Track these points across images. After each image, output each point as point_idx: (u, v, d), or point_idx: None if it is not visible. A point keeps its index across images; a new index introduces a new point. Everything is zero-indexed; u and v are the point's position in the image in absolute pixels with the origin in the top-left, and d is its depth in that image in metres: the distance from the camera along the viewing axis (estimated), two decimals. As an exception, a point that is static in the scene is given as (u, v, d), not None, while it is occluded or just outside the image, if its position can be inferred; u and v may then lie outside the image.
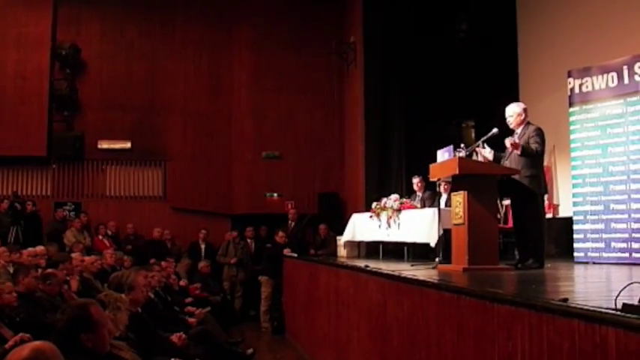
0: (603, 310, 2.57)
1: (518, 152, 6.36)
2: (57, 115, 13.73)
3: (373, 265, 6.80)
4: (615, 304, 2.60)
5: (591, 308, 2.65)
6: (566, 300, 2.97)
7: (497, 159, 6.60)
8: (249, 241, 13.36)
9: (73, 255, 8.91)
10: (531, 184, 6.33)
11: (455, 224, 6.27)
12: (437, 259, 7.09)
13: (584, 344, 2.60)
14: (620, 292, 2.71)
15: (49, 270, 6.61)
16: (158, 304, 7.42)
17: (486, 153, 6.52)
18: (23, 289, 5.87)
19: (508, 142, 6.42)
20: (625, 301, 2.56)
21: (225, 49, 14.56)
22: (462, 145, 6.52)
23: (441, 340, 4.11)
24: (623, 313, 2.46)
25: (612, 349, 2.43)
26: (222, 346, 7.48)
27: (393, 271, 5.72)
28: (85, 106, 13.96)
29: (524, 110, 6.70)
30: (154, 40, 14.32)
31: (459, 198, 6.14)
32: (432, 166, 6.86)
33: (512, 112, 6.71)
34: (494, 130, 6.59)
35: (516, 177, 6.33)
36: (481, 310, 3.52)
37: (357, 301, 6.58)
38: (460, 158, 6.19)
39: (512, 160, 6.49)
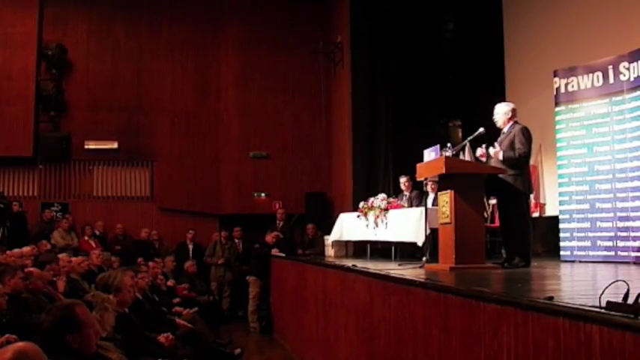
0: (588, 308, 2.58)
1: (500, 158, 6.40)
2: (43, 116, 13.66)
3: (361, 264, 6.81)
4: (600, 302, 2.62)
5: (576, 306, 2.67)
6: (551, 298, 2.99)
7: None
8: (236, 241, 13.34)
9: (60, 256, 8.85)
10: (516, 182, 6.35)
11: (442, 223, 6.29)
12: (424, 259, 7.11)
13: (569, 342, 2.61)
14: (604, 290, 2.73)
15: (27, 269, 6.55)
16: (145, 305, 7.39)
17: (492, 152, 6.52)
18: (10, 290, 5.82)
19: (492, 152, 6.47)
20: (609, 299, 2.58)
21: (212, 50, 14.54)
22: (449, 145, 6.54)
23: (428, 338, 4.12)
24: (607, 311, 2.48)
25: (597, 347, 2.44)
26: (210, 347, 7.46)
27: (380, 270, 5.73)
28: (71, 107, 13.89)
29: (512, 110, 6.73)
30: (141, 40, 14.27)
31: (446, 197, 6.16)
32: (418, 165, 6.86)
33: (500, 110, 6.75)
34: (481, 129, 6.62)
35: (502, 176, 6.36)
36: (467, 309, 3.53)
37: (344, 301, 6.58)
38: (447, 157, 6.20)
39: (496, 160, 6.51)
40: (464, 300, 3.59)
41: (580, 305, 2.69)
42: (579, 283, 5.04)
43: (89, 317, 3.48)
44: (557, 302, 2.85)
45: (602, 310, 2.51)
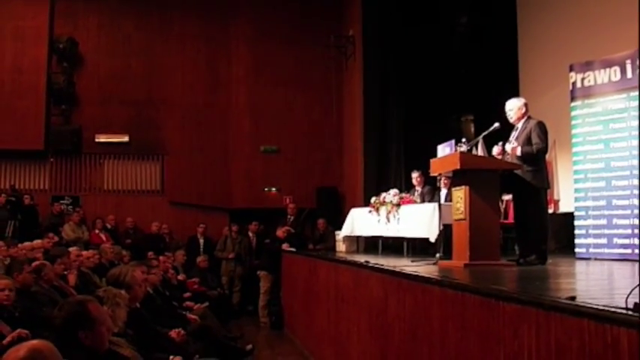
0: (615, 310, 2.51)
1: (518, 154, 6.30)
2: (54, 109, 13.69)
3: (372, 260, 6.75)
4: (626, 304, 2.54)
5: (602, 307, 2.59)
6: (574, 298, 2.91)
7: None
8: (250, 235, 13.29)
9: (71, 249, 8.84)
10: (534, 179, 6.26)
11: (456, 219, 6.21)
12: (437, 255, 7.03)
13: (594, 344, 2.54)
14: (631, 291, 2.64)
15: (37, 262, 6.53)
16: (156, 299, 7.35)
17: (509, 149, 6.43)
18: (18, 284, 5.80)
19: (508, 149, 6.38)
20: (637, 301, 2.50)
21: (223, 43, 14.49)
22: (464, 140, 6.45)
23: (445, 337, 4.05)
24: (635, 313, 2.40)
25: (624, 350, 2.37)
26: (221, 342, 7.41)
27: (394, 267, 5.66)
28: (82, 100, 13.90)
29: (525, 105, 6.62)
30: (152, 33, 14.25)
31: (460, 193, 6.07)
32: (432, 160, 6.78)
33: (513, 106, 6.63)
34: (496, 124, 6.51)
35: (519, 172, 6.27)
36: (486, 308, 3.46)
37: (357, 297, 6.52)
38: (462, 153, 6.12)
39: (512, 156, 6.41)
40: (483, 299, 3.52)
41: (606, 306, 2.61)
42: (599, 282, 4.95)
43: (102, 313, 3.44)
44: (580, 303, 2.77)
45: (630, 312, 2.43)
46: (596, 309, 2.60)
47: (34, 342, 2.47)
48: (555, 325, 2.82)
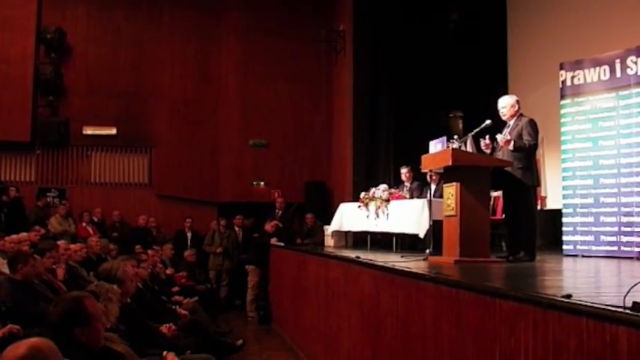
0: (613, 309, 2.52)
1: (511, 148, 6.34)
2: (41, 100, 13.58)
3: (362, 255, 6.74)
4: (624, 302, 2.56)
5: (600, 307, 2.61)
6: (569, 296, 2.93)
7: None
8: (237, 229, 13.26)
9: (59, 242, 8.77)
10: (524, 176, 6.30)
11: (446, 216, 6.24)
12: (427, 251, 7.05)
13: (592, 343, 2.56)
14: (629, 290, 2.67)
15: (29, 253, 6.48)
16: (146, 294, 7.33)
17: (500, 140, 6.45)
18: (21, 277, 5.77)
19: (500, 140, 6.41)
20: (635, 300, 2.52)
21: (213, 36, 14.43)
22: (456, 137, 6.48)
23: (438, 334, 4.07)
24: (634, 312, 2.42)
25: (623, 349, 2.38)
26: (211, 337, 7.40)
27: (385, 262, 5.67)
28: (70, 91, 13.79)
29: (517, 102, 6.68)
30: (141, 25, 14.16)
31: (451, 189, 6.10)
32: (424, 156, 6.81)
33: (506, 103, 6.67)
34: (487, 121, 6.54)
35: (509, 169, 6.31)
36: (482, 306, 3.47)
37: (347, 293, 6.53)
38: (453, 149, 6.14)
39: (504, 152, 6.46)
40: (478, 296, 3.53)
41: (604, 305, 2.62)
42: (590, 279, 4.97)
43: (98, 310, 3.42)
44: (578, 301, 2.78)
45: (629, 311, 2.45)
46: (595, 307, 2.61)
47: (34, 340, 2.44)
48: (553, 323, 2.83)
